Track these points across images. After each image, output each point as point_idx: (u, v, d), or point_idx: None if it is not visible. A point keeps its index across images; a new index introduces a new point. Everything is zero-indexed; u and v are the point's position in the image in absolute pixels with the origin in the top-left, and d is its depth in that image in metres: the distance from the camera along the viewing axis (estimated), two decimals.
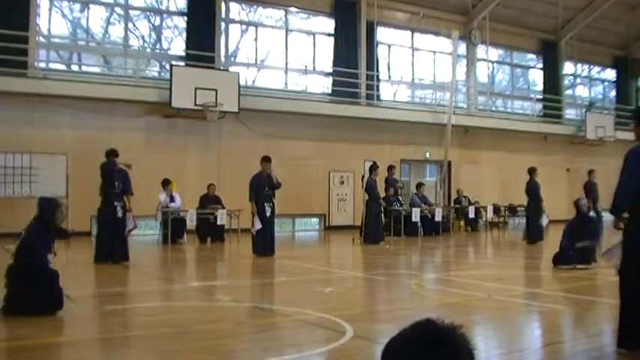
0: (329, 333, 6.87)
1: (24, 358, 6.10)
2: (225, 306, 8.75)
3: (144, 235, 19.51)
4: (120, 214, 13.35)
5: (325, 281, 11.34)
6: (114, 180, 13.32)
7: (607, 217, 25.53)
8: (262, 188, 14.87)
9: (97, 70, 22.32)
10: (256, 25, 24.35)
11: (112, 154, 13.49)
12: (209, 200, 18.86)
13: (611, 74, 35.40)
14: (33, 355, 6.14)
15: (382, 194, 19.96)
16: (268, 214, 14.90)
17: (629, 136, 6.34)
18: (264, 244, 14.79)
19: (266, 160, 15.08)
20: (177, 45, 23.13)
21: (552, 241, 17.94)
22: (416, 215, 20.67)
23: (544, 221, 18.80)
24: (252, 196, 14.92)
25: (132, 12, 22.29)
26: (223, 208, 18.57)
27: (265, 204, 14.88)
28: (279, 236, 22.42)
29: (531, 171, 18.91)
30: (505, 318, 8.19)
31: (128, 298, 9.75)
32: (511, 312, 8.57)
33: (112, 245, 13.16)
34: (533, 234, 18.52)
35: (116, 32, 22.70)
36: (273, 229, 15.18)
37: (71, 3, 21.46)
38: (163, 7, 23.09)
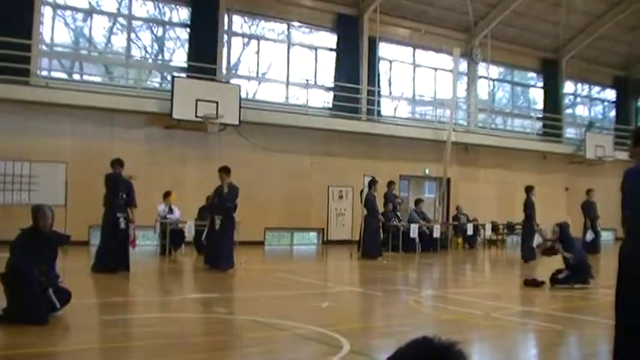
0: (325, 347, 6.86)
1: None
2: (222, 318, 8.74)
3: (142, 245, 19.48)
4: (123, 225, 13.33)
5: (322, 296, 11.33)
6: (118, 191, 13.32)
7: (606, 237, 25.53)
8: (222, 200, 14.50)
9: (98, 79, 22.35)
10: (258, 38, 24.43)
11: (117, 163, 13.49)
12: (207, 211, 18.80)
13: (611, 94, 35.49)
14: None
15: (381, 209, 19.95)
16: (217, 227, 14.34)
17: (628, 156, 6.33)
18: (209, 255, 14.45)
19: (223, 170, 14.68)
20: (179, 56, 23.21)
21: (546, 260, 17.94)
22: (414, 231, 20.65)
23: (535, 241, 18.77)
24: (209, 207, 14.76)
25: (135, 22, 22.37)
26: None
27: (216, 216, 14.44)
28: (276, 249, 22.57)
29: (528, 189, 18.93)
30: (502, 336, 8.18)
31: (125, 309, 9.72)
32: (508, 330, 8.56)
33: (115, 256, 13.13)
34: (526, 253, 18.51)
35: (118, 42, 22.78)
36: (222, 243, 14.39)
37: (74, 12, 21.54)
38: (166, 19, 23.16)
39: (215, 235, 14.45)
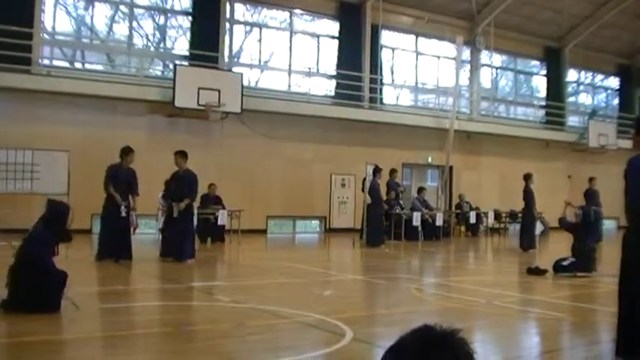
0: (328, 335, 6.87)
1: (23, 355, 6.10)
2: (225, 307, 8.75)
3: (144, 234, 19.51)
4: (124, 214, 13.35)
5: (325, 284, 11.35)
6: (120, 181, 13.37)
7: (608, 225, 25.49)
8: (178, 186, 13.99)
9: (100, 68, 22.30)
10: (260, 26, 24.36)
11: (123, 153, 13.58)
12: (210, 200, 18.85)
13: (614, 82, 35.39)
14: (32, 352, 6.14)
15: (383, 197, 19.94)
16: (175, 214, 13.78)
17: (631, 144, 6.34)
18: (165, 246, 13.93)
19: (179, 154, 14.20)
20: (181, 44, 23.15)
21: (548, 249, 17.95)
22: (417, 219, 20.62)
23: (537, 229, 18.66)
24: (165, 194, 14.09)
25: (136, 10, 22.32)
26: (223, 208, 18.56)
27: (174, 203, 13.79)
28: (279, 238, 22.57)
29: (526, 177, 18.69)
30: (504, 324, 8.19)
31: (128, 297, 9.75)
32: (510, 318, 8.57)
33: (117, 244, 13.20)
34: (526, 241, 18.41)
35: (120, 30, 22.72)
36: (178, 232, 13.76)
37: (76, 0, 21.48)
38: (168, 6, 23.08)
39: (174, 224, 13.88)
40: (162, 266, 13.18)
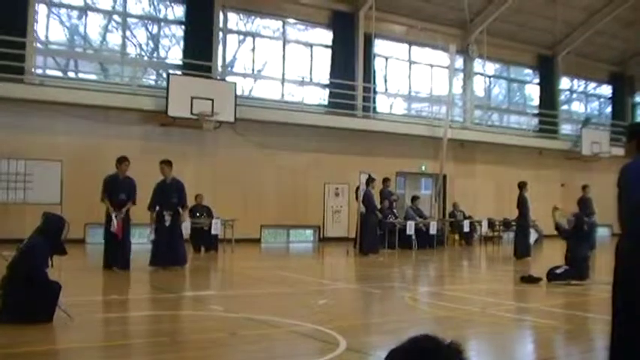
0: (322, 345, 6.85)
1: None
2: (219, 316, 8.72)
3: (139, 243, 19.43)
4: (115, 224, 13.40)
5: (319, 293, 11.31)
6: (118, 192, 13.43)
7: (601, 233, 25.50)
8: (167, 195, 13.96)
9: (93, 77, 22.28)
10: (254, 35, 24.38)
11: (118, 162, 13.69)
12: (198, 210, 18.74)
13: (607, 90, 35.50)
14: None
15: (377, 206, 19.93)
16: (168, 223, 13.84)
17: (624, 152, 6.34)
18: (161, 255, 13.81)
19: (165, 163, 14.26)
20: (174, 54, 23.14)
21: (541, 257, 17.97)
22: (410, 228, 20.63)
23: (532, 238, 18.66)
24: (151, 204, 14.01)
25: (130, 20, 22.30)
26: (212, 217, 18.47)
27: (165, 212, 13.85)
28: (273, 247, 22.55)
29: (521, 185, 18.70)
30: (498, 333, 8.18)
31: (122, 306, 9.71)
32: (504, 327, 8.56)
33: (114, 252, 13.31)
34: (520, 249, 18.40)
35: (113, 40, 22.69)
36: (175, 241, 13.99)
37: (69, 10, 21.47)
38: (161, 16, 23.08)
39: (166, 233, 13.87)
40: (156, 275, 13.14)
